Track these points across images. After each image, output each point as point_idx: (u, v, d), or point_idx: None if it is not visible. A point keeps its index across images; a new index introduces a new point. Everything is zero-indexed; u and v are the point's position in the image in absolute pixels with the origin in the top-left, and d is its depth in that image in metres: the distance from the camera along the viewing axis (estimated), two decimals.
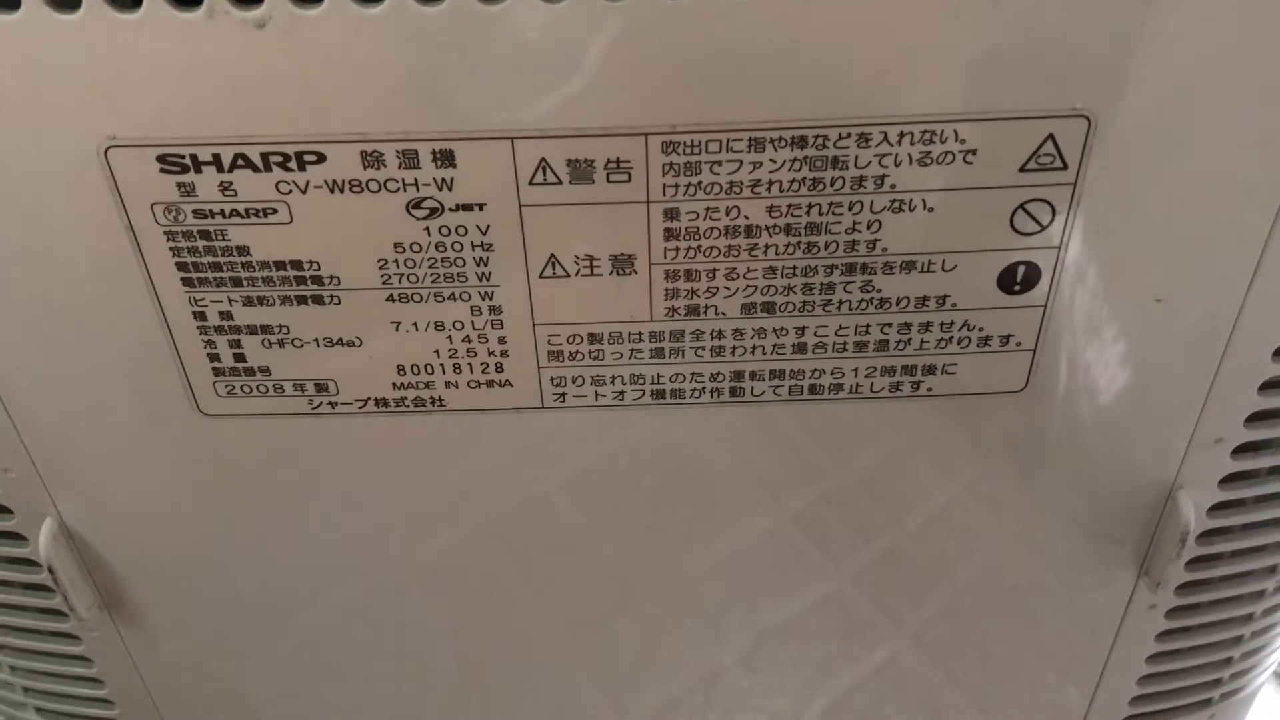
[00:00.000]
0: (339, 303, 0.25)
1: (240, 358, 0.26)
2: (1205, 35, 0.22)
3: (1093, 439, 0.28)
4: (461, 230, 0.24)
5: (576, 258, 0.25)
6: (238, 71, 0.22)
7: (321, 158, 0.23)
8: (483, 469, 0.29)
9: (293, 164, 0.23)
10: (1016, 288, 0.25)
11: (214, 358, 0.26)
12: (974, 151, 0.23)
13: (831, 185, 0.24)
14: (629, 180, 0.23)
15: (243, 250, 0.25)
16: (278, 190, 0.23)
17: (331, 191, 0.23)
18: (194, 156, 0.23)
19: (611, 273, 0.25)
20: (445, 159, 0.23)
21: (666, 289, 0.25)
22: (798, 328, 0.26)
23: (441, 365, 0.27)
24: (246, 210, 0.24)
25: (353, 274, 0.25)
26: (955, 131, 0.23)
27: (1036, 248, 0.25)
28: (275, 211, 0.24)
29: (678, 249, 0.25)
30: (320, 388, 0.27)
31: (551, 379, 0.27)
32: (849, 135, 0.23)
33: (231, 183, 0.23)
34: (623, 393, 0.27)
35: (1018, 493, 0.30)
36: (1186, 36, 0.22)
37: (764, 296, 0.26)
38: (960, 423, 0.28)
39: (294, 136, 0.23)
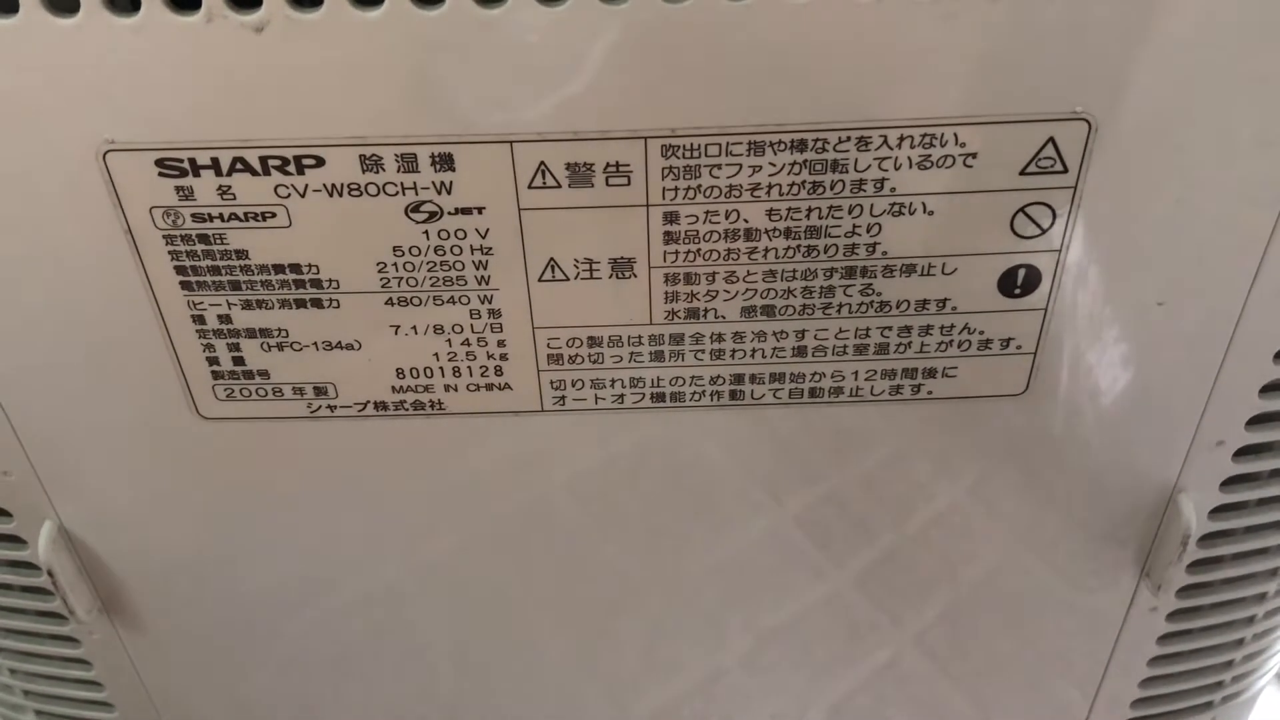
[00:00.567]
0: (338, 306, 0.25)
1: (239, 361, 0.26)
2: (1205, 38, 0.22)
3: (1094, 442, 0.28)
4: (460, 234, 0.24)
5: (576, 261, 0.25)
6: (236, 75, 0.22)
7: (320, 161, 0.23)
8: (482, 472, 0.29)
9: (291, 167, 0.23)
10: (1017, 291, 0.25)
11: (213, 361, 0.26)
12: (974, 155, 0.23)
13: (831, 188, 0.24)
14: (628, 184, 0.23)
15: (241, 254, 0.24)
16: (276, 194, 0.23)
17: (330, 195, 0.23)
18: (192, 160, 0.23)
19: (611, 276, 0.25)
20: (444, 162, 0.23)
21: (666, 292, 0.25)
22: (798, 331, 0.26)
23: (441, 368, 0.27)
24: (245, 214, 0.24)
25: (352, 277, 0.25)
26: (955, 135, 0.23)
27: (1037, 251, 0.25)
28: (274, 215, 0.24)
29: (677, 252, 0.25)
30: (319, 391, 0.27)
31: (551, 382, 0.27)
32: (848, 138, 0.23)
33: (230, 186, 0.23)
34: (622, 396, 0.27)
35: (1019, 495, 0.30)
36: (1187, 39, 0.22)
37: (764, 299, 0.25)
38: (961, 426, 0.28)
39: (293, 140, 0.23)
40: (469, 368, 0.27)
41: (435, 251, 0.24)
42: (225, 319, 0.26)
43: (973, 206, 0.24)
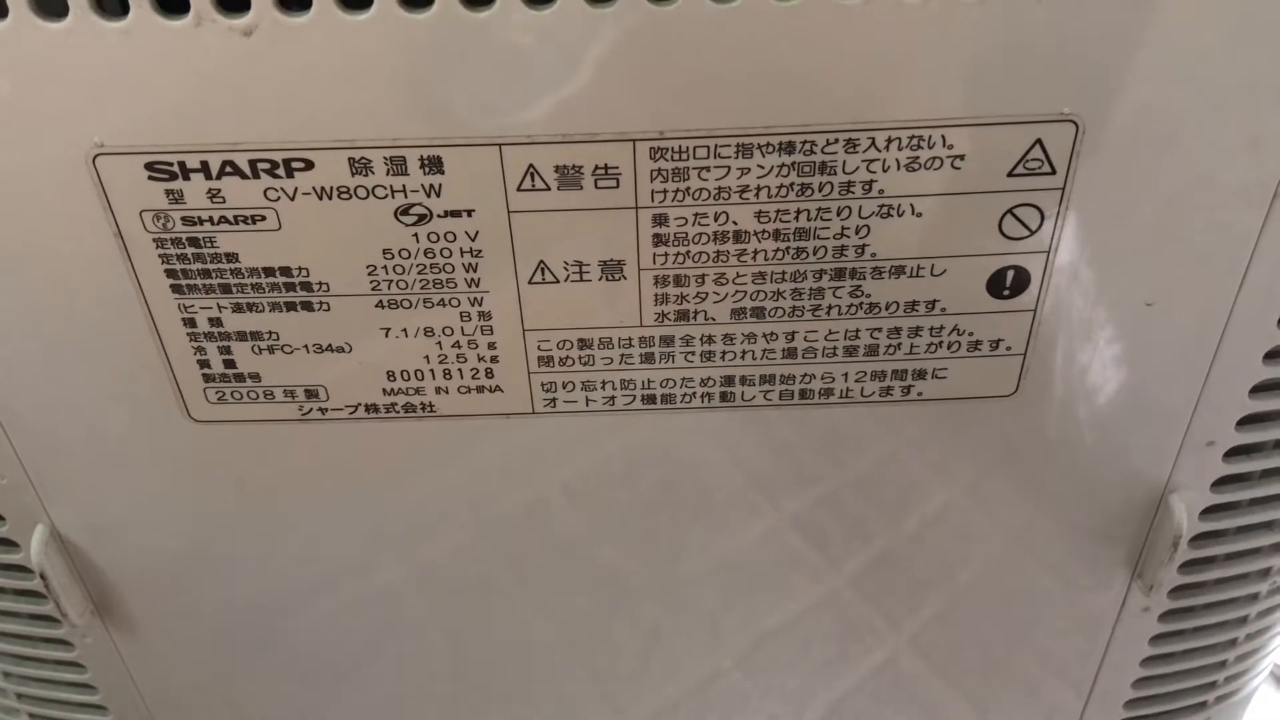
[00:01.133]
0: (328, 309, 0.25)
1: (230, 364, 0.26)
2: (1192, 39, 0.22)
3: (1084, 443, 0.28)
4: (450, 236, 0.24)
5: (566, 263, 0.25)
6: (225, 79, 0.22)
7: (309, 165, 0.23)
8: (474, 474, 0.29)
9: (281, 171, 0.23)
10: (1006, 292, 0.25)
11: (204, 364, 0.26)
12: (962, 157, 0.23)
13: (820, 191, 0.24)
14: (617, 186, 0.23)
15: (231, 257, 0.25)
16: (266, 197, 0.23)
17: (320, 198, 0.23)
18: (182, 164, 0.23)
19: (601, 278, 0.25)
20: (433, 165, 0.23)
21: (656, 294, 0.25)
22: (787, 332, 0.26)
23: (431, 371, 0.27)
24: (235, 217, 0.24)
25: (342, 280, 0.25)
26: (943, 137, 0.23)
27: (1026, 252, 0.25)
28: (264, 218, 0.24)
29: (667, 254, 0.25)
30: (310, 394, 0.27)
31: (542, 384, 0.27)
32: (837, 141, 0.23)
33: (220, 190, 0.23)
34: (613, 398, 0.27)
35: (1010, 496, 0.30)
36: (1173, 40, 0.22)
37: (753, 301, 0.26)
38: (952, 427, 0.28)
39: (282, 143, 0.23)
40: (460, 370, 0.27)
41: (425, 254, 0.25)
42: (216, 322, 0.26)
43: (961, 208, 0.24)
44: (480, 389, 0.27)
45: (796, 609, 0.33)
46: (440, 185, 0.23)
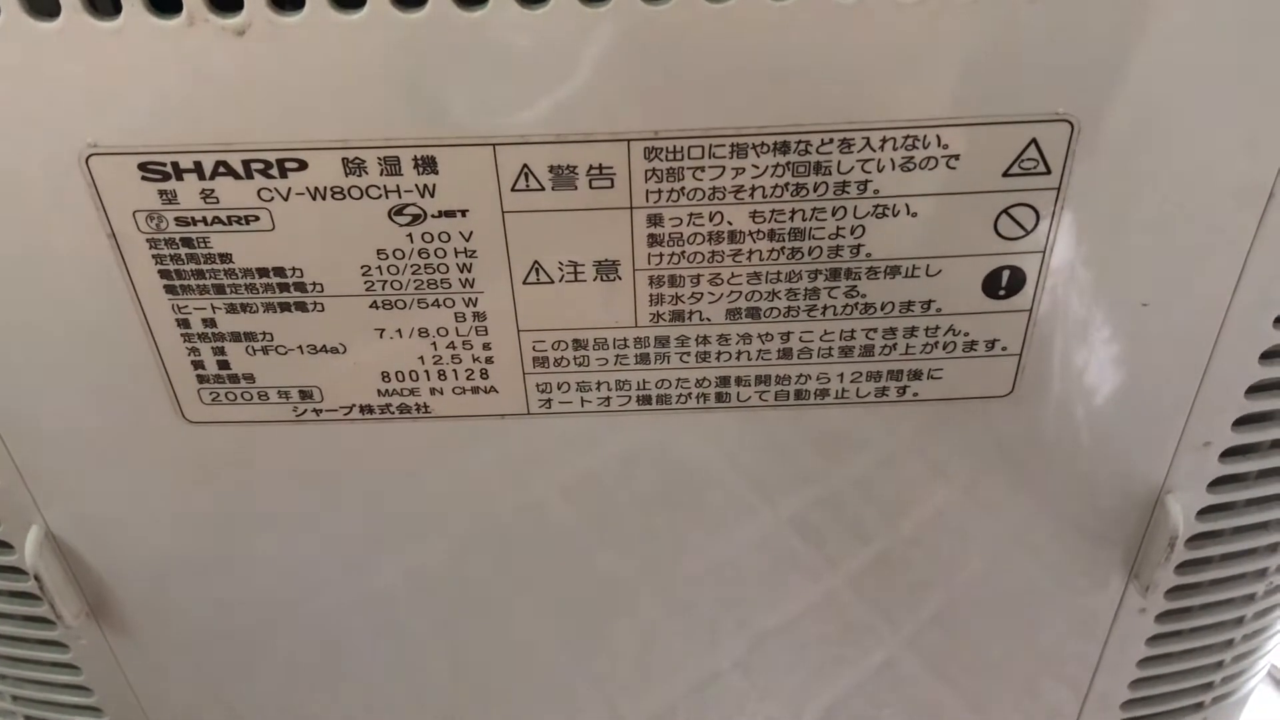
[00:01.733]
0: (322, 310, 0.25)
1: (224, 365, 0.26)
2: (1188, 38, 0.22)
3: (1080, 443, 0.28)
4: (444, 237, 0.24)
5: (560, 264, 0.25)
6: (218, 79, 0.22)
7: (303, 165, 0.23)
8: (469, 475, 0.29)
9: (274, 171, 0.23)
10: (1001, 292, 0.25)
11: (198, 365, 0.26)
12: (957, 156, 0.23)
13: (814, 191, 0.24)
14: (612, 186, 0.23)
15: (225, 257, 0.24)
16: (259, 197, 0.23)
17: (313, 198, 0.23)
18: (175, 164, 0.23)
19: (596, 279, 0.25)
20: (427, 165, 0.23)
21: (651, 294, 0.25)
22: (783, 333, 0.26)
23: (426, 372, 0.27)
24: (229, 217, 0.24)
25: (336, 281, 0.25)
26: (938, 136, 0.23)
27: (1021, 252, 0.25)
28: (257, 219, 0.24)
29: (662, 254, 0.25)
30: (305, 395, 0.27)
31: (537, 385, 0.27)
32: (831, 140, 0.23)
33: (213, 190, 0.23)
34: (609, 398, 0.27)
35: (1007, 496, 0.30)
36: (1169, 40, 0.22)
37: (748, 302, 0.25)
38: (948, 427, 0.28)
39: (275, 143, 0.23)
40: (454, 371, 0.27)
41: (419, 254, 0.24)
42: (210, 323, 0.26)
43: (956, 208, 0.24)
44: (475, 390, 0.27)
45: (794, 610, 0.33)
46: (434, 185, 0.23)
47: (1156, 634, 0.33)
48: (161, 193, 0.23)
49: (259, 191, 0.23)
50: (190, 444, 0.28)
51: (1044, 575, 0.32)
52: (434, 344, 0.26)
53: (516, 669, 0.35)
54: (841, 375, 0.27)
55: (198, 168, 0.23)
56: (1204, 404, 0.28)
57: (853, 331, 0.26)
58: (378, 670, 0.35)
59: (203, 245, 0.24)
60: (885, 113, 0.22)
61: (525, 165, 0.23)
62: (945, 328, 0.26)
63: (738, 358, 0.27)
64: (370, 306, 0.25)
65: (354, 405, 0.27)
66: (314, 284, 0.25)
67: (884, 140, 0.23)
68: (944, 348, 0.26)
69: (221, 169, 0.23)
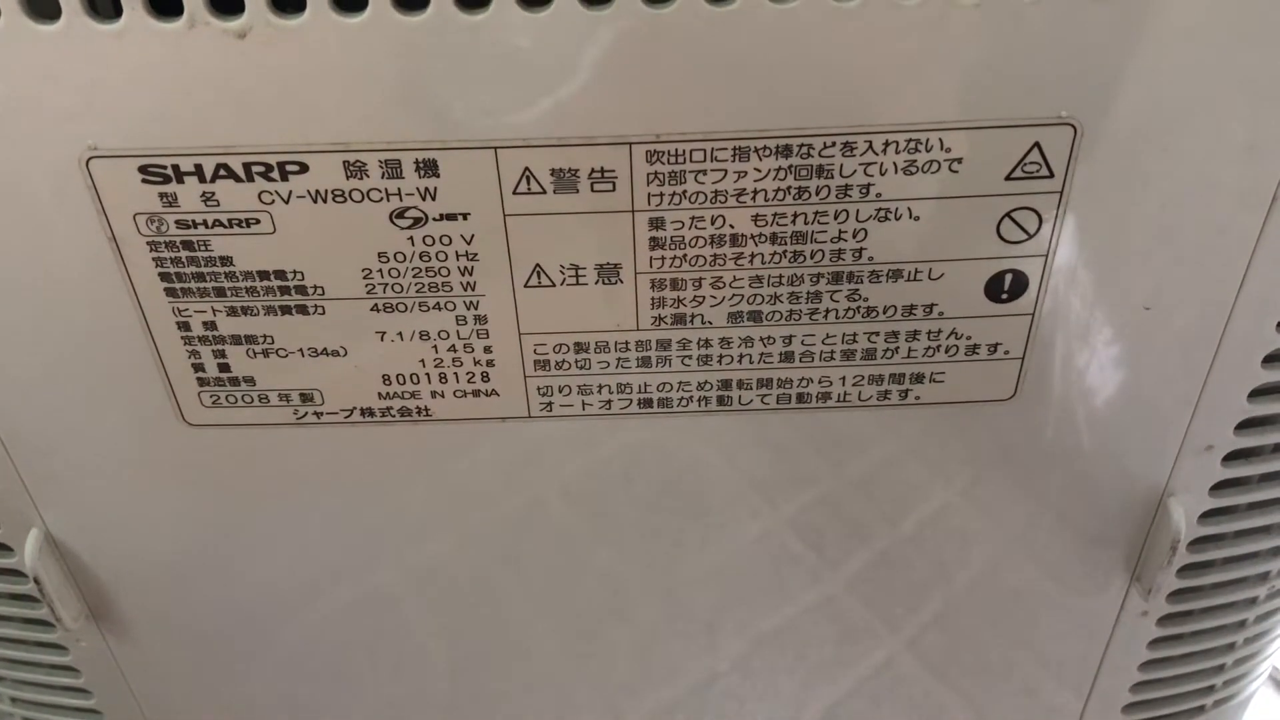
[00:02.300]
0: (323, 312, 0.25)
1: (225, 368, 0.26)
2: (1190, 42, 0.22)
3: (1083, 447, 0.28)
4: (445, 240, 0.24)
5: (562, 267, 0.25)
6: (219, 81, 0.22)
7: (304, 168, 0.23)
8: (470, 478, 0.29)
9: (275, 174, 0.23)
10: (1004, 296, 0.25)
11: (198, 368, 0.26)
12: (959, 160, 0.23)
13: (817, 194, 0.24)
14: (613, 189, 0.23)
15: (226, 260, 0.24)
16: (260, 200, 0.23)
17: (314, 201, 0.23)
18: (176, 167, 0.23)
19: (597, 282, 0.25)
20: (428, 168, 0.23)
21: (653, 298, 0.25)
22: (785, 336, 0.26)
23: (427, 375, 0.27)
24: (229, 220, 0.24)
25: (337, 284, 0.25)
26: (941, 140, 0.23)
27: (1024, 256, 0.25)
28: (258, 221, 0.24)
29: (663, 258, 0.25)
30: (305, 398, 0.27)
31: (538, 388, 0.27)
32: (834, 144, 0.23)
33: (214, 193, 0.23)
34: (610, 402, 0.27)
35: (1009, 499, 0.30)
36: (1172, 44, 0.22)
37: (750, 305, 0.25)
38: (950, 430, 0.28)
39: (276, 146, 0.23)
40: (455, 374, 0.27)
41: (420, 257, 0.24)
42: (210, 326, 0.26)
43: (959, 212, 0.24)
44: (476, 393, 0.27)
45: (794, 612, 0.33)
46: (435, 188, 0.23)
47: (1158, 637, 0.33)
48: (162, 195, 0.23)
49: (260, 194, 0.23)
50: (190, 447, 0.28)
51: (1046, 578, 0.32)
52: (435, 347, 0.26)
53: (517, 671, 0.35)
54: (843, 379, 0.27)
55: (198, 170, 0.23)
56: (1206, 408, 0.27)
57: (854, 335, 0.26)
58: (378, 673, 0.35)
59: (203, 248, 0.24)
60: (887, 116, 0.22)
61: (527, 168, 0.23)
62: (947, 331, 0.26)
63: (739, 361, 0.27)
64: (371, 309, 0.25)
65: (355, 408, 0.27)
66: (315, 287, 0.25)
67: (886, 144, 0.23)
68: (946, 351, 0.26)
69: (222, 172, 0.23)
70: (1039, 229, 0.24)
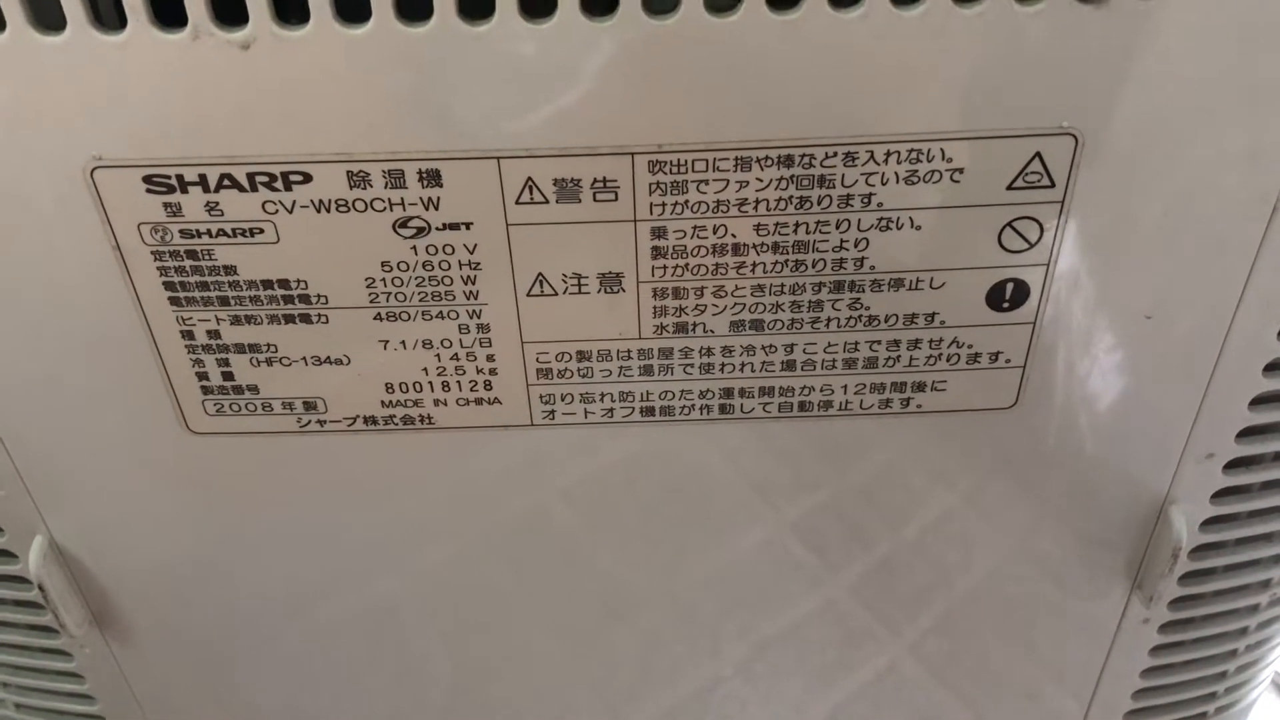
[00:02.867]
0: (327, 321, 0.25)
1: (228, 376, 0.26)
2: (1191, 51, 0.22)
3: (1084, 455, 0.28)
4: (449, 249, 0.24)
5: (564, 276, 0.25)
6: (223, 92, 0.22)
7: (308, 178, 0.23)
8: (473, 486, 0.29)
9: (279, 184, 0.23)
10: (1005, 305, 0.25)
11: (202, 376, 0.26)
12: (961, 170, 0.23)
13: (819, 204, 0.24)
14: (616, 199, 0.23)
15: (230, 269, 0.24)
16: (264, 210, 0.23)
17: (318, 211, 0.23)
18: (180, 177, 0.23)
19: (600, 291, 0.25)
20: (431, 178, 0.23)
21: (655, 307, 0.25)
22: (786, 345, 0.26)
23: (430, 383, 0.27)
24: (233, 230, 0.24)
25: (340, 293, 0.25)
26: (942, 150, 0.23)
27: (1025, 265, 0.25)
28: (262, 231, 0.24)
29: (665, 267, 0.25)
30: (309, 406, 0.27)
31: (540, 397, 0.27)
32: (836, 154, 0.23)
33: (218, 203, 0.23)
34: (612, 410, 0.27)
35: (1010, 507, 0.30)
36: (1173, 53, 0.22)
37: (752, 314, 0.25)
38: (952, 438, 0.28)
39: (280, 157, 0.23)
40: (458, 382, 0.27)
41: (423, 267, 0.24)
42: (214, 334, 0.26)
43: (960, 221, 0.24)
44: (479, 401, 0.27)
45: (796, 617, 0.33)
46: (439, 198, 0.23)
47: (1160, 644, 0.33)
48: (166, 205, 0.23)
49: (263, 204, 0.23)
50: (194, 455, 0.28)
51: (1048, 585, 0.32)
52: (438, 356, 0.26)
53: (519, 676, 0.35)
54: (845, 387, 0.27)
55: (202, 180, 0.23)
56: (1208, 416, 0.27)
57: (856, 344, 0.26)
58: (380, 678, 0.35)
59: (207, 257, 0.24)
60: (889, 126, 0.23)
61: (529, 178, 0.23)
62: (949, 340, 0.26)
63: (741, 370, 0.27)
64: (374, 318, 0.25)
65: (358, 416, 0.27)
66: (318, 296, 0.25)
67: (888, 154, 0.23)
68: (948, 360, 0.26)
69: (226, 182, 0.23)
70: (1040, 238, 0.24)
